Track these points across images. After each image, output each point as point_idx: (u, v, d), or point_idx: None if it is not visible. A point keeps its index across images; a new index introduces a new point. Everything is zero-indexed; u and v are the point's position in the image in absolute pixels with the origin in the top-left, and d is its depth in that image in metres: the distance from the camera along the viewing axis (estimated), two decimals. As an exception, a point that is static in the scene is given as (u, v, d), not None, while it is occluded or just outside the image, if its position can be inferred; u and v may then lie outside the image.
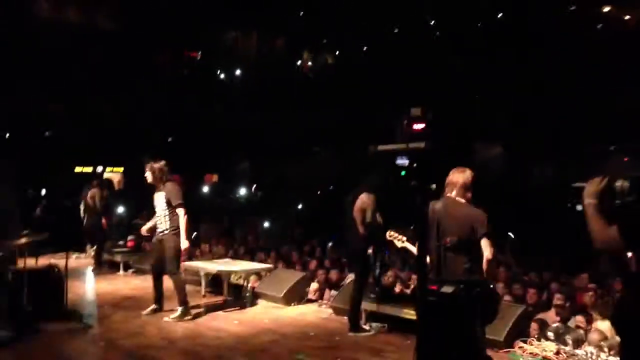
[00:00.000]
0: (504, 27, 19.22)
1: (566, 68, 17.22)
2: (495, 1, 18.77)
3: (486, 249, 4.48)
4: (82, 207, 11.32)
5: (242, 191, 17.84)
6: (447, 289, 4.51)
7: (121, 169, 22.87)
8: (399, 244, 5.22)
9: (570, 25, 17.69)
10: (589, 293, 7.16)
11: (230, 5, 19.64)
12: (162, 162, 7.47)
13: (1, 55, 14.77)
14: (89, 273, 10.67)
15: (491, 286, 4.83)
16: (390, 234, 5.29)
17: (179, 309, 7.31)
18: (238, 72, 23.18)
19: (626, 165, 19.81)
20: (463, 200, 4.65)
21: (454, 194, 4.69)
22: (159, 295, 7.62)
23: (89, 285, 9.65)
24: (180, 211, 7.24)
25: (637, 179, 3.06)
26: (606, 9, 18.52)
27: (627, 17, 18.19)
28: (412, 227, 5.60)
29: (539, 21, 17.79)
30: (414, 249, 5.12)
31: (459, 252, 4.54)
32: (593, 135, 17.07)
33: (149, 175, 7.48)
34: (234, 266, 8.83)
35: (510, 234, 10.41)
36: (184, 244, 7.26)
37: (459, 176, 4.70)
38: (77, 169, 21.39)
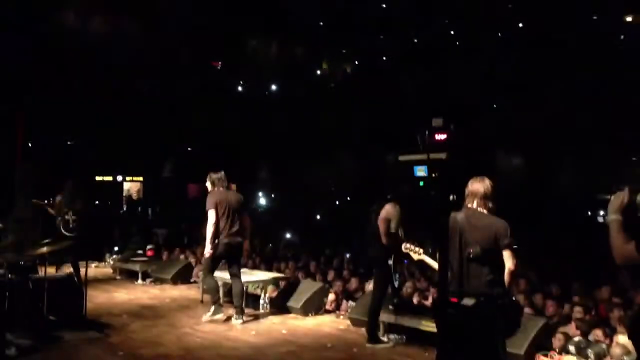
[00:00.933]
0: (527, 35, 19.09)
1: (590, 77, 17.05)
2: (518, 9, 18.64)
3: (509, 260, 4.41)
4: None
5: (262, 200, 17.86)
6: (468, 302, 4.46)
7: (140, 178, 23.10)
8: (415, 257, 5.16)
9: (594, 33, 17.51)
10: (613, 306, 7.03)
11: (250, 14, 19.75)
12: (221, 173, 7.93)
13: (22, 60, 14.98)
14: (109, 281, 10.76)
15: (513, 298, 4.76)
16: (406, 247, 5.23)
17: (212, 308, 7.80)
18: (258, 81, 23.29)
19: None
20: (485, 211, 4.57)
21: (475, 204, 4.60)
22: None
23: (108, 294, 9.72)
24: (209, 216, 7.59)
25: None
26: (629, 18, 18.32)
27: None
28: (428, 240, 5.58)
29: (562, 29, 17.63)
30: (432, 262, 5.05)
31: (481, 263, 4.47)
32: (616, 144, 16.85)
33: (208, 184, 7.92)
34: (252, 276, 8.80)
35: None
36: (206, 248, 7.70)
37: (479, 186, 4.61)
38: (98, 178, 21.63)
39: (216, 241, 7.59)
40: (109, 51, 18.14)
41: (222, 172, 7.93)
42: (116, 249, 12.33)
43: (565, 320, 6.80)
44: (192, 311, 8.41)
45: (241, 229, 7.75)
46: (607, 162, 16.88)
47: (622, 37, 17.97)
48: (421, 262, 5.31)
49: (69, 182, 9.25)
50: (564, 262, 10.05)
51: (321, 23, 22.17)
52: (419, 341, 6.52)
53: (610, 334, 6.18)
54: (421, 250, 5.17)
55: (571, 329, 6.40)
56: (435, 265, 5.29)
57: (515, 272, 4.48)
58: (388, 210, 6.79)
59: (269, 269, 10.19)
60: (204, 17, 18.74)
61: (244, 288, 7.98)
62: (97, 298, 9.01)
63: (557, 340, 6.15)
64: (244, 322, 7.69)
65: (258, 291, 8.74)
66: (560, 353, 5.89)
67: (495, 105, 19.02)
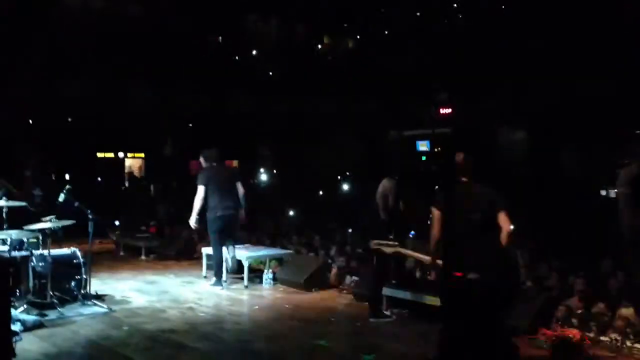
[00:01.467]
0: (531, 8, 18.84)
1: (594, 50, 16.85)
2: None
3: (505, 223, 4.60)
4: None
5: (263, 177, 17.84)
6: (473, 276, 4.48)
7: (142, 155, 23.06)
8: (388, 250, 5.37)
9: (598, 7, 17.28)
10: (614, 279, 7.03)
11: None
12: (213, 149, 8.41)
13: (22, 39, 14.88)
14: (112, 258, 10.81)
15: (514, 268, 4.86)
16: (375, 243, 5.45)
17: (213, 279, 8.26)
18: (258, 56, 23.11)
19: (653, 149, 19.41)
20: (475, 182, 4.82)
21: (465, 177, 4.84)
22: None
23: (111, 270, 9.76)
24: (198, 190, 8.10)
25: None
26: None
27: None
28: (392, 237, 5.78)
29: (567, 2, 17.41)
30: (409, 252, 5.45)
31: (482, 234, 4.61)
32: (622, 119, 16.72)
33: (201, 160, 8.47)
34: (255, 251, 8.82)
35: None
36: (191, 220, 8.24)
37: (462, 158, 4.84)
38: (100, 155, 21.61)
39: (217, 213, 8.01)
40: (109, 26, 18.01)
41: (214, 149, 8.40)
42: (117, 223, 12.34)
43: (568, 293, 6.81)
44: (196, 286, 8.46)
45: (235, 201, 8.18)
46: (613, 138, 16.76)
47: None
48: (398, 253, 5.47)
49: (35, 157, 9.37)
50: (567, 235, 10.03)
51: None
52: (422, 315, 6.54)
53: (612, 306, 6.18)
54: (396, 244, 5.34)
55: (574, 301, 6.41)
56: (413, 254, 5.47)
57: (512, 233, 4.61)
58: (385, 185, 6.81)
59: (273, 245, 10.21)
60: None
61: (234, 260, 8.31)
62: (101, 274, 9.05)
63: (560, 313, 6.17)
64: (222, 288, 8.16)
65: (262, 266, 8.78)
66: (562, 326, 5.91)
67: (500, 82, 18.84)
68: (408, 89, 19.47)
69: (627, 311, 5.96)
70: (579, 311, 6.21)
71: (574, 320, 6.05)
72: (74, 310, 6.80)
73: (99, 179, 17.09)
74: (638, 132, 18.44)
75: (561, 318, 6.10)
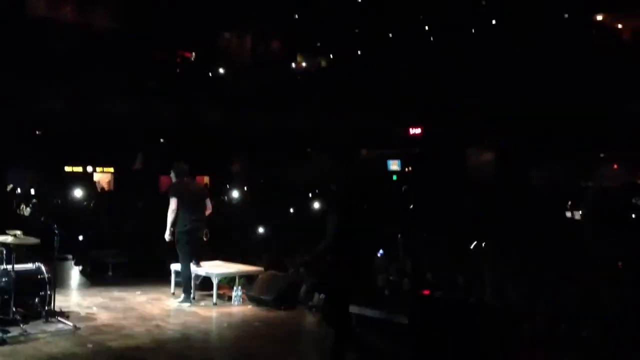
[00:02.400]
0: (498, 32, 19.31)
1: (558, 75, 17.30)
2: (489, 6, 18.87)
3: None
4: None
5: (235, 193, 17.76)
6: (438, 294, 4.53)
7: (111, 169, 22.75)
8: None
9: (563, 33, 17.80)
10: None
11: (225, 6, 19.64)
12: (184, 164, 8.45)
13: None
14: (77, 274, 10.61)
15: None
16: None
17: (182, 296, 8.19)
18: (231, 73, 23.14)
19: (616, 172, 19.96)
20: None
21: None
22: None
23: (77, 286, 9.58)
24: (170, 203, 8.10)
25: (629, 184, 3.08)
26: (599, 17, 18.65)
27: (619, 26, 18.33)
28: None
29: (532, 27, 17.88)
30: None
31: None
32: (583, 142, 17.14)
33: (172, 175, 8.47)
34: (225, 269, 8.76)
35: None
36: (166, 233, 8.15)
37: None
38: (68, 169, 21.27)
39: (186, 227, 8.05)
40: (80, 42, 17.87)
41: (185, 164, 8.44)
42: (80, 238, 12.12)
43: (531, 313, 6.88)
44: (163, 303, 8.35)
45: (202, 217, 8.30)
46: (577, 159, 17.16)
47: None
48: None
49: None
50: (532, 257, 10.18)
51: (296, 16, 22.13)
52: (392, 334, 6.55)
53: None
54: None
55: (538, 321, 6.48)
56: None
57: None
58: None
59: (242, 262, 10.13)
60: (177, 6, 18.57)
61: (194, 276, 8.41)
62: (66, 290, 8.86)
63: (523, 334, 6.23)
64: (190, 305, 8.11)
65: (231, 284, 8.71)
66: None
67: (468, 101, 19.19)
68: (378, 108, 19.70)
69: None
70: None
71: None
72: (37, 327, 6.65)
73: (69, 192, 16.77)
74: (602, 155, 18.95)
75: (525, 339, 6.15)
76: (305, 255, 5.72)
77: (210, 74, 22.80)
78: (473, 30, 20.33)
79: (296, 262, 8.83)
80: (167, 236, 8.16)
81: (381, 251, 7.86)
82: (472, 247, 4.62)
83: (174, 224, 8.09)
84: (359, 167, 21.51)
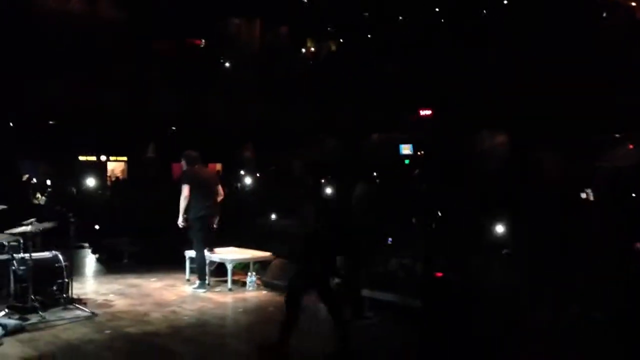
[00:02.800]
0: (507, 15, 19.11)
1: (572, 57, 17.11)
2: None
3: None
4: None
5: (247, 180, 17.80)
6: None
7: (125, 158, 22.90)
8: None
9: (573, 14, 17.58)
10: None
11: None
12: (195, 152, 8.50)
13: (6, 43, 14.80)
14: (93, 262, 10.74)
15: None
16: None
17: (197, 282, 8.28)
18: (240, 60, 23.11)
19: (631, 152, 19.74)
20: None
21: None
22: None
23: (94, 273, 9.70)
24: (182, 190, 8.11)
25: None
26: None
27: (633, 4, 18.06)
28: None
29: (542, 10, 17.68)
30: None
31: None
32: (598, 124, 16.97)
33: (183, 163, 8.49)
34: (239, 255, 8.83)
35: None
36: (179, 219, 8.21)
37: None
38: (82, 158, 21.43)
39: (200, 213, 8.13)
40: (90, 33, 17.92)
41: (195, 151, 8.48)
42: (97, 227, 12.24)
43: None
44: (178, 289, 8.44)
45: (215, 203, 8.36)
46: (590, 141, 16.96)
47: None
48: None
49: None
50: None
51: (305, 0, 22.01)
52: (403, 317, 6.58)
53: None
54: None
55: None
56: None
57: None
58: (356, 189, 6.89)
59: (258, 248, 10.19)
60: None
61: (208, 262, 8.45)
62: (83, 277, 8.98)
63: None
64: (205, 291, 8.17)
65: (246, 270, 8.78)
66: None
67: (479, 83, 19.05)
68: (389, 92, 19.61)
69: None
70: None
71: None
72: (55, 314, 6.76)
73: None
74: (617, 135, 18.75)
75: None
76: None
77: (219, 62, 22.81)
78: (484, 12, 20.16)
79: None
80: (180, 223, 8.22)
81: (390, 239, 7.86)
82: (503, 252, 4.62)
83: (186, 211, 8.14)
84: (369, 151, 21.46)
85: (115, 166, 23.21)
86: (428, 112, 19.65)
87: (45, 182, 15.72)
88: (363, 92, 20.17)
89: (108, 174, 22.30)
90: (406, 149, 21.74)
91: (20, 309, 6.61)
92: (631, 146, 16.84)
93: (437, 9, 21.18)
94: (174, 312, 7.21)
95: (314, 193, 6.38)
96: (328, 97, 20.61)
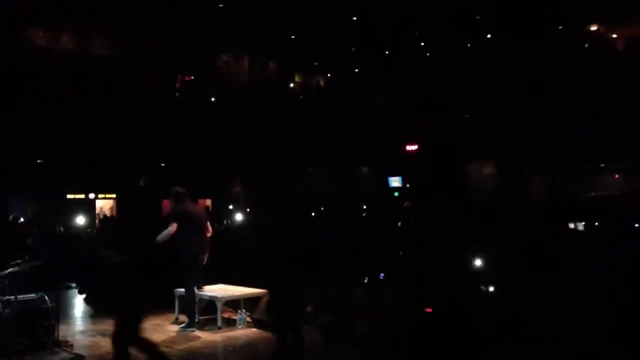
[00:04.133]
0: (495, 45, 19.42)
1: (557, 86, 17.38)
2: (487, 20, 19.02)
3: None
4: None
5: (238, 216, 17.75)
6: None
7: (113, 196, 22.78)
8: None
9: (559, 44, 17.91)
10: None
11: (222, 29, 19.82)
12: (183, 188, 8.43)
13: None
14: (81, 302, 10.59)
15: None
16: None
17: (186, 321, 8.18)
18: (230, 93, 23.25)
19: (617, 181, 19.96)
20: None
21: None
22: None
23: (80, 314, 9.56)
24: (170, 226, 7.89)
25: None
26: (593, 27, 18.77)
27: (614, 36, 18.44)
28: None
29: (529, 39, 18.00)
30: None
31: None
32: (585, 153, 17.15)
33: (172, 199, 8.39)
34: (229, 292, 8.74)
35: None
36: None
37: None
38: (70, 196, 21.31)
39: (191, 251, 8.07)
40: (79, 68, 18.00)
41: (181, 188, 8.37)
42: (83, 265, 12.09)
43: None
44: (166, 329, 8.32)
45: (205, 240, 8.32)
46: (577, 170, 17.12)
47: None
48: None
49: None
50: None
51: (293, 37, 22.31)
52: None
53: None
54: None
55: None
56: None
57: None
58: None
59: (247, 285, 10.10)
60: (175, 30, 18.73)
61: (198, 299, 8.33)
62: (71, 318, 8.84)
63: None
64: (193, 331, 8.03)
65: (235, 307, 8.68)
66: None
67: (467, 115, 19.28)
68: (377, 125, 19.78)
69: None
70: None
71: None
72: (41, 358, 6.64)
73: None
74: (602, 165, 18.92)
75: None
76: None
77: (209, 96, 22.94)
78: (468, 45, 20.48)
79: None
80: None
81: (382, 274, 7.83)
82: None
83: (177, 248, 8.00)
84: (358, 184, 21.54)
85: (104, 203, 23.09)
86: (414, 147, 19.82)
87: (32, 220, 15.59)
88: (351, 125, 20.33)
89: (97, 212, 22.18)
90: (395, 182, 21.84)
91: (6, 352, 6.48)
92: (617, 176, 16.99)
93: (422, 44, 21.51)
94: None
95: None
96: (317, 129, 20.73)
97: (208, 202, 21.93)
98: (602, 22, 19.10)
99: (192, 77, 23.12)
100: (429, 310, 4.61)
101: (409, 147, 20.11)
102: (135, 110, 18.84)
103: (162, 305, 9.49)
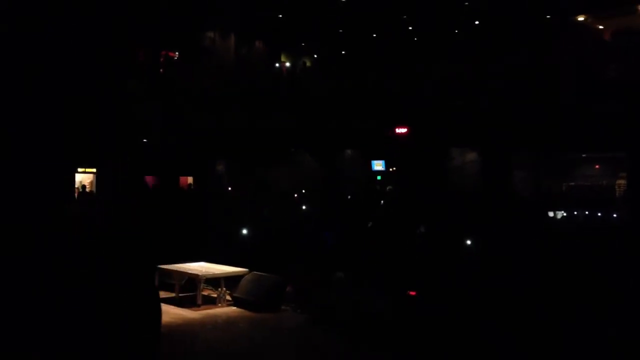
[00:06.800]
0: (481, 34, 19.43)
1: (540, 76, 17.45)
2: (473, 9, 18.98)
3: None
4: None
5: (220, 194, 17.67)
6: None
7: (94, 170, 22.51)
8: None
9: (544, 34, 17.95)
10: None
11: (209, 6, 19.57)
12: None
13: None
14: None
15: None
16: None
17: None
18: (214, 72, 23.01)
19: (597, 172, 20.21)
20: None
21: None
22: None
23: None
24: None
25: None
26: (580, 18, 18.83)
27: (600, 27, 18.50)
28: None
29: (515, 29, 18.02)
30: None
31: None
32: (565, 143, 17.28)
33: None
34: (210, 270, 8.71)
35: None
36: None
37: None
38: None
39: None
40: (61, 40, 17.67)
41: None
42: None
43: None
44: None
45: None
46: (560, 160, 17.26)
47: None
48: None
49: None
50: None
51: (280, 16, 22.10)
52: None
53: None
54: None
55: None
56: None
57: None
58: None
59: (227, 263, 10.06)
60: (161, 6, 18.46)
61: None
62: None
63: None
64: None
65: (216, 285, 8.66)
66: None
67: (453, 101, 19.30)
68: (365, 107, 19.74)
69: None
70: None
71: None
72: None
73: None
74: (584, 155, 19.10)
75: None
76: None
77: (193, 74, 22.65)
78: (456, 31, 20.45)
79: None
80: None
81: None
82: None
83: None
84: (342, 167, 21.53)
85: (84, 177, 22.82)
86: (404, 129, 19.80)
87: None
88: (338, 108, 20.26)
89: (76, 185, 21.92)
90: (378, 165, 21.86)
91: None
92: (597, 166, 17.16)
93: (410, 28, 21.42)
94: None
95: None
96: (303, 111, 20.63)
97: (190, 179, 21.79)
98: (589, 12, 19.16)
99: (177, 53, 22.83)
100: (412, 293, 4.62)
101: (398, 130, 20.07)
102: (119, 86, 18.55)
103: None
